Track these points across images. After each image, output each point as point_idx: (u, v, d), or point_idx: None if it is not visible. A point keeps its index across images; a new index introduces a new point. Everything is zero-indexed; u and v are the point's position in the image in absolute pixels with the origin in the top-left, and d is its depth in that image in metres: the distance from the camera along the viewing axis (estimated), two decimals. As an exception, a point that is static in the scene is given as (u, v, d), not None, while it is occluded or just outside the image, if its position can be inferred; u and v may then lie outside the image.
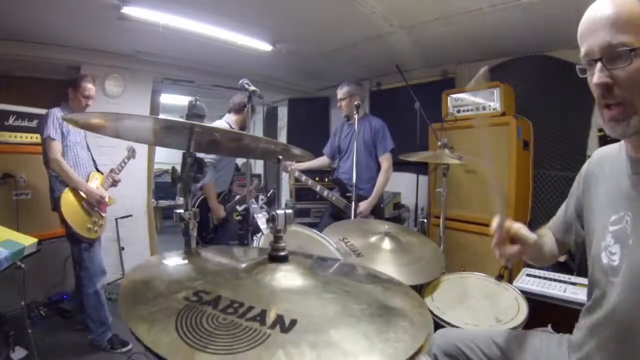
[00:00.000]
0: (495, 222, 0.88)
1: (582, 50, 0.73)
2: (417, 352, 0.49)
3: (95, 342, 2.21)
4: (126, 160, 2.56)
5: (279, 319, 0.52)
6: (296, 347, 0.47)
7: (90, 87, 2.30)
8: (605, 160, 0.88)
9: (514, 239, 0.88)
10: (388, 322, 0.57)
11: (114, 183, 2.45)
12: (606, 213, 0.81)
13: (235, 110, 2.77)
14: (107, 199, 2.34)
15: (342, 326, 0.54)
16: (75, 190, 2.19)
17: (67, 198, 2.16)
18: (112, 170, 2.46)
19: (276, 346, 0.46)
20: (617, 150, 0.85)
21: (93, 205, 2.25)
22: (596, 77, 0.70)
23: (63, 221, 2.13)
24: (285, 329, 0.50)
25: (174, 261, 0.79)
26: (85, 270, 2.19)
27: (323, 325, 0.53)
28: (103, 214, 2.33)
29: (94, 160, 2.43)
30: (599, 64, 0.69)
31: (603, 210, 0.82)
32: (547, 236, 1.05)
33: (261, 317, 0.52)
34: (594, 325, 0.82)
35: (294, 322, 0.51)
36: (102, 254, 2.33)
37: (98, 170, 2.42)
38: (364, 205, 2.57)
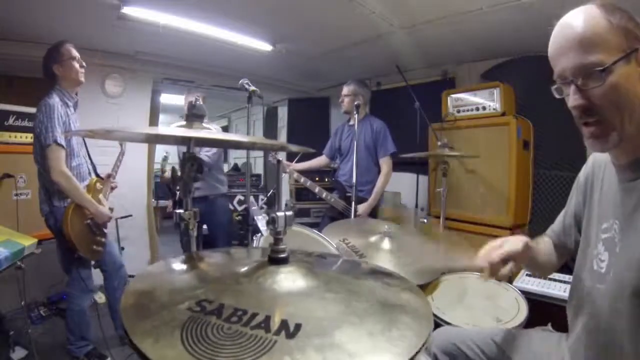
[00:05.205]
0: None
1: (555, 71, 0.73)
2: (420, 350, 0.50)
3: (73, 353, 2.01)
4: (121, 158, 2.30)
5: (284, 325, 0.51)
6: (302, 352, 0.47)
7: (73, 49, 1.95)
8: (598, 167, 0.89)
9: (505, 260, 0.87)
10: (391, 319, 0.57)
11: (113, 189, 2.21)
12: (599, 221, 0.82)
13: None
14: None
15: (346, 327, 0.54)
16: (79, 206, 1.91)
17: (73, 214, 1.87)
18: (109, 176, 2.20)
19: (282, 353, 0.46)
20: (607, 157, 0.85)
21: (100, 225, 2.00)
22: (572, 100, 0.70)
23: (69, 242, 1.86)
24: (290, 335, 0.50)
25: (175, 268, 0.79)
26: (75, 288, 2.01)
27: (327, 328, 0.53)
28: (106, 231, 2.08)
29: (92, 162, 2.16)
30: (572, 87, 0.69)
31: (596, 218, 0.83)
32: (542, 243, 1.05)
33: (265, 323, 0.52)
34: (582, 327, 0.83)
35: (298, 327, 0.51)
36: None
37: (98, 176, 2.14)
38: (362, 208, 2.56)
